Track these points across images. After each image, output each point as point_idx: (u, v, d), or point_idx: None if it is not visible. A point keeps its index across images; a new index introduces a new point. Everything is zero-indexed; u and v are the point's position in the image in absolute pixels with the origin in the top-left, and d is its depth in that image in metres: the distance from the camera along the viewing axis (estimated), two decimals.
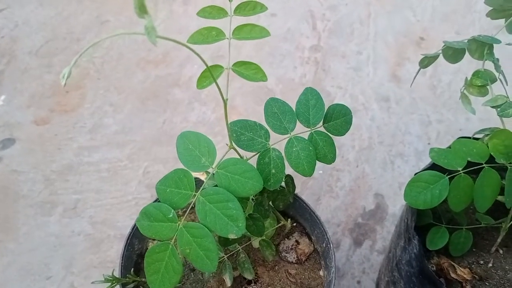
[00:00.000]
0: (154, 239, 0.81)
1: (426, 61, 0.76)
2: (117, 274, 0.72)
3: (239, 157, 0.64)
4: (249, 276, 0.74)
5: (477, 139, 0.73)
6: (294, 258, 0.80)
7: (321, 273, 0.79)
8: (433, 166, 0.74)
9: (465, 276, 0.72)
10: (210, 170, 0.56)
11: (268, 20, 1.61)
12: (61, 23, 1.62)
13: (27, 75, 1.45)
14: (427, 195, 0.66)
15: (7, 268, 1.04)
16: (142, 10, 0.34)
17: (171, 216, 0.53)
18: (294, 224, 0.85)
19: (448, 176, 0.66)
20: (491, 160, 0.66)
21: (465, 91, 0.73)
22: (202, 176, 0.74)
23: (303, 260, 0.80)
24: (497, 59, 0.71)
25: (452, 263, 0.74)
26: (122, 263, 0.73)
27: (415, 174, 0.68)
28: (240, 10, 0.61)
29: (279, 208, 0.74)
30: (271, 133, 0.63)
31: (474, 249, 0.78)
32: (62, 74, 0.35)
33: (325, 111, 0.65)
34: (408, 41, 1.56)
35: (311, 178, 1.19)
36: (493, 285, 0.74)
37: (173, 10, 1.67)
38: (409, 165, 1.22)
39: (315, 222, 0.80)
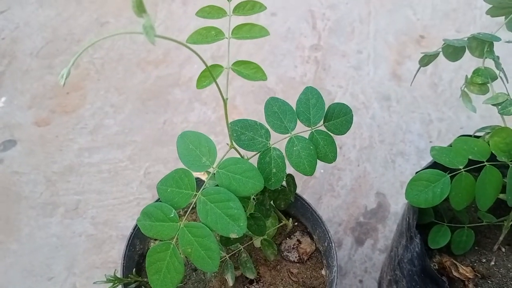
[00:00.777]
0: (155, 239, 0.81)
1: (426, 60, 0.76)
2: (119, 274, 0.72)
3: (239, 156, 0.64)
4: (251, 275, 0.74)
5: (478, 137, 0.72)
6: (296, 257, 0.80)
7: (323, 272, 0.79)
8: (434, 165, 0.74)
9: (467, 274, 0.72)
10: (210, 169, 0.56)
11: (268, 19, 1.61)
12: (61, 25, 1.62)
13: (28, 76, 1.46)
14: (428, 193, 0.66)
15: (9, 269, 1.04)
16: (140, 9, 0.34)
17: (172, 215, 0.53)
18: (296, 224, 0.85)
19: (450, 175, 0.66)
20: (492, 158, 0.66)
21: (465, 89, 0.73)
22: (203, 176, 0.74)
23: (305, 259, 0.80)
24: (498, 57, 0.71)
25: (454, 261, 0.74)
26: (124, 263, 0.74)
27: (416, 173, 0.68)
28: (239, 9, 0.60)
29: (280, 208, 0.74)
30: (272, 132, 0.63)
31: (476, 248, 0.78)
32: (61, 74, 0.35)
33: (326, 110, 0.65)
34: (409, 39, 1.56)
35: (312, 177, 1.18)
36: (496, 283, 0.73)
37: (172, 10, 1.67)
38: (410, 163, 1.22)
39: (317, 221, 0.80)
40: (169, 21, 1.64)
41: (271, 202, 0.71)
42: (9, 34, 1.59)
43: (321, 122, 0.65)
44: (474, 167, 0.65)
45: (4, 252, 1.07)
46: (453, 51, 0.75)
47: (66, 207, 1.15)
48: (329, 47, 1.54)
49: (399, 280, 0.81)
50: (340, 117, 0.66)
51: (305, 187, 1.17)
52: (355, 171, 1.21)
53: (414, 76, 0.82)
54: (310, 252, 0.81)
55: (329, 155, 0.64)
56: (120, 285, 0.71)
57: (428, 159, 1.17)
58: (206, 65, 0.47)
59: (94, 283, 0.72)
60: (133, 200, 1.16)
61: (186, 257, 0.53)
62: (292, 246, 0.81)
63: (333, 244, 0.75)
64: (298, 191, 0.77)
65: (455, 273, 0.72)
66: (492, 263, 0.76)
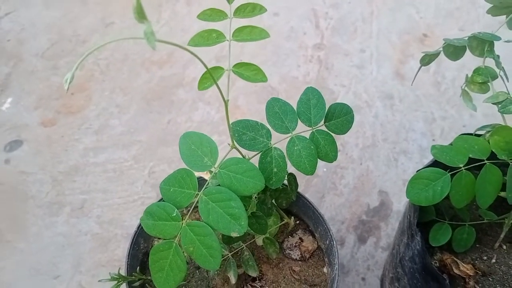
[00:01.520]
0: (159, 238, 0.82)
1: (427, 59, 0.77)
2: (123, 272, 0.73)
3: (241, 156, 0.65)
4: (253, 273, 0.75)
5: (479, 135, 0.73)
6: (298, 255, 0.81)
7: (324, 270, 0.80)
8: (435, 163, 0.75)
9: (468, 272, 0.72)
10: (212, 169, 0.57)
11: (270, 19, 1.61)
12: (67, 26, 1.64)
13: (34, 77, 1.47)
14: (429, 192, 0.67)
15: (17, 267, 1.06)
16: (140, 15, 0.35)
17: (174, 215, 0.54)
18: (298, 222, 0.86)
19: (450, 173, 0.66)
20: (492, 156, 0.66)
21: (466, 88, 0.74)
22: (206, 176, 0.75)
23: (307, 257, 0.81)
24: (498, 56, 0.72)
25: (455, 259, 0.74)
26: (128, 261, 0.75)
27: (417, 172, 0.69)
28: (239, 12, 0.61)
29: (282, 206, 0.75)
30: (273, 132, 0.64)
31: (477, 245, 0.78)
32: (65, 79, 0.36)
33: (326, 110, 0.66)
34: (412, 38, 1.56)
35: (315, 176, 1.19)
36: (497, 281, 0.74)
37: (176, 11, 1.69)
38: (413, 162, 1.23)
39: (318, 220, 0.81)
40: (173, 22, 1.65)
41: (273, 201, 0.72)
42: (15, 36, 1.61)
43: (322, 122, 0.66)
44: (475, 165, 0.66)
45: (11, 251, 1.08)
46: (454, 51, 0.75)
47: (72, 206, 1.16)
48: (332, 46, 1.54)
49: (401, 277, 0.82)
50: (340, 117, 0.67)
51: (308, 186, 1.18)
52: (358, 170, 1.21)
53: (415, 76, 0.83)
54: (312, 250, 0.82)
55: (330, 155, 0.64)
56: (125, 283, 0.72)
57: (431, 158, 1.17)
58: (206, 67, 0.48)
59: (99, 281, 0.73)
60: (137, 199, 1.17)
61: (189, 255, 0.54)
62: (294, 244, 0.82)
63: (334, 242, 0.76)
64: (300, 189, 0.78)
65: (456, 271, 0.73)
66: (493, 260, 0.76)
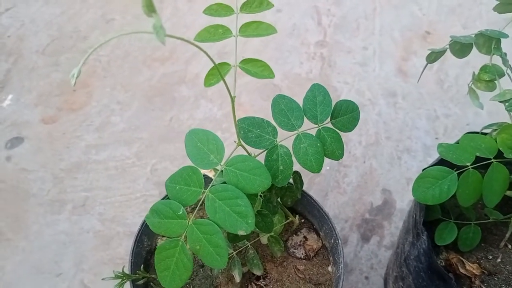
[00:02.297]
0: (163, 236, 0.82)
1: (433, 56, 0.76)
2: (127, 270, 0.72)
3: (247, 154, 0.64)
4: (258, 272, 0.74)
5: (485, 134, 0.72)
6: (302, 254, 0.80)
7: (329, 268, 0.79)
8: (441, 162, 0.74)
9: (474, 271, 0.72)
10: (218, 167, 0.57)
11: (273, 16, 1.61)
12: (67, 22, 1.63)
13: (35, 73, 1.46)
14: (435, 190, 0.66)
15: (19, 266, 1.05)
16: (150, 9, 0.35)
17: (180, 213, 0.54)
18: (302, 220, 0.85)
19: (457, 172, 0.66)
20: (499, 155, 0.66)
21: (472, 86, 0.73)
22: (210, 174, 0.74)
23: (311, 256, 0.80)
24: (505, 53, 0.71)
25: (461, 258, 0.74)
26: (132, 259, 0.74)
27: (423, 170, 0.68)
28: (246, 7, 0.61)
29: (287, 205, 0.74)
30: (279, 130, 0.63)
31: (482, 244, 0.78)
32: (71, 74, 0.36)
33: (332, 107, 0.65)
34: (414, 35, 1.55)
35: (318, 174, 1.19)
36: (502, 280, 0.74)
37: (178, 7, 1.68)
38: (417, 160, 1.22)
39: (323, 218, 0.80)
40: (175, 18, 1.64)
41: (278, 199, 0.71)
42: (15, 32, 1.60)
43: (328, 119, 0.65)
44: (481, 164, 0.65)
45: (12, 250, 1.08)
46: (460, 48, 0.75)
47: (74, 204, 1.16)
48: (334, 43, 1.53)
49: (406, 276, 0.81)
50: (347, 114, 0.66)
51: (311, 184, 1.18)
52: (361, 168, 1.21)
53: (421, 73, 0.82)
54: (316, 248, 0.81)
55: (336, 152, 0.64)
56: (128, 282, 0.72)
57: (435, 156, 1.17)
58: (214, 63, 0.48)
59: (102, 279, 0.73)
60: (140, 197, 1.16)
61: (193, 253, 0.54)
62: (298, 243, 0.81)
63: (339, 241, 0.75)
64: (304, 188, 0.77)
65: (461, 270, 0.73)
66: (499, 260, 0.76)
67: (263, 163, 0.59)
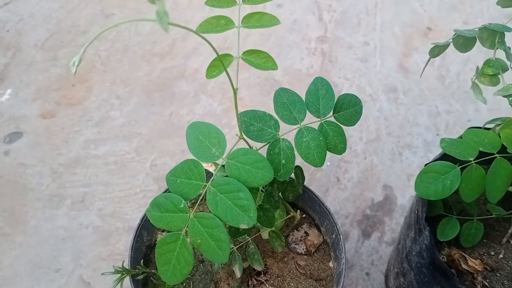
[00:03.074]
0: (163, 231, 0.81)
1: (437, 50, 0.75)
2: (127, 265, 0.72)
3: (248, 147, 0.64)
4: (258, 267, 0.74)
5: (488, 129, 0.72)
6: (303, 249, 0.80)
7: (330, 264, 0.78)
8: (443, 157, 0.74)
9: (476, 267, 0.72)
10: (220, 160, 0.56)
11: (274, 11, 1.59)
12: (66, 16, 1.62)
13: (33, 68, 1.45)
14: (438, 185, 0.65)
15: (16, 261, 1.04)
16: None
17: (182, 206, 0.53)
18: (303, 216, 0.85)
19: (460, 167, 0.65)
20: (503, 150, 0.65)
21: (476, 81, 0.72)
22: (211, 168, 0.73)
23: (312, 251, 0.80)
24: (509, 48, 0.70)
25: (463, 254, 0.74)
26: (131, 254, 0.73)
27: (425, 165, 0.68)
28: None
29: (288, 199, 0.74)
30: (281, 123, 0.63)
31: (485, 240, 0.77)
32: (72, 62, 0.35)
33: (335, 101, 0.65)
34: (415, 31, 1.55)
35: (319, 169, 1.18)
36: (504, 276, 0.73)
37: (178, 2, 1.66)
38: (418, 156, 1.21)
39: (325, 214, 0.80)
40: (175, 12, 1.62)
41: (280, 194, 0.70)
42: (13, 26, 1.59)
43: (331, 113, 0.64)
44: (485, 159, 0.65)
45: (10, 245, 1.07)
46: (464, 42, 0.74)
47: (73, 199, 1.15)
48: (335, 39, 1.52)
49: (407, 272, 0.81)
50: (349, 108, 0.65)
51: (312, 180, 1.17)
52: (362, 164, 1.20)
53: (424, 68, 0.82)
54: (317, 244, 0.80)
55: (339, 146, 0.63)
56: (128, 276, 0.71)
57: (436, 152, 1.16)
58: (217, 53, 0.47)
59: (102, 274, 0.72)
60: (139, 192, 1.16)
61: (193, 248, 0.53)
62: (299, 238, 0.81)
63: (341, 236, 0.75)
64: (304, 183, 0.76)
65: (464, 266, 0.72)
66: (501, 255, 0.76)
67: (265, 157, 0.59)
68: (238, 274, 0.71)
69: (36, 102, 1.36)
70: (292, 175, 0.71)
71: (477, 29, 0.71)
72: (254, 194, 0.65)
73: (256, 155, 0.55)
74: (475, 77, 0.72)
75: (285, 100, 0.63)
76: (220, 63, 0.56)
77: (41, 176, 1.19)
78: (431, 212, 0.76)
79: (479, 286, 0.71)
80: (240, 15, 0.59)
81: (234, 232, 0.66)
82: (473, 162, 0.65)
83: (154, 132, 1.28)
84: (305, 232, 0.82)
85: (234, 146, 0.57)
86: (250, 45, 1.49)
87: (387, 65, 1.44)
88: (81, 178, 1.19)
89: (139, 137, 1.27)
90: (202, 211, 0.55)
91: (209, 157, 0.56)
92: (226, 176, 0.55)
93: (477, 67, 0.72)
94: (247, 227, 0.52)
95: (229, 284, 0.74)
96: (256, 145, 0.63)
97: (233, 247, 0.72)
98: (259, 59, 0.58)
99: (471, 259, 0.73)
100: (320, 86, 0.65)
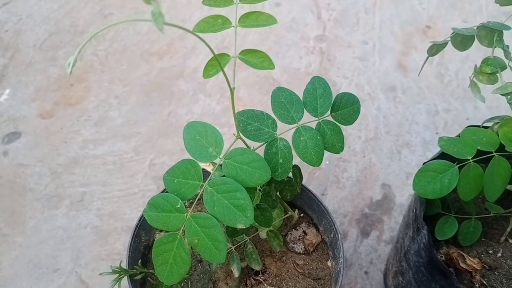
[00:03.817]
0: (161, 231, 0.81)
1: (435, 49, 0.75)
2: (124, 265, 0.72)
3: (246, 147, 0.63)
4: (256, 267, 0.73)
5: (486, 127, 0.72)
6: (301, 248, 0.79)
7: (329, 263, 0.78)
8: (441, 156, 0.74)
9: (474, 265, 0.72)
10: (217, 160, 0.56)
11: (272, 9, 1.59)
12: (64, 17, 1.62)
13: (32, 68, 1.45)
14: (436, 184, 0.65)
15: (15, 261, 1.04)
16: None
17: (179, 206, 0.53)
18: (302, 215, 0.85)
19: (458, 165, 0.65)
20: (501, 148, 0.65)
21: (474, 79, 0.72)
22: (208, 167, 0.73)
23: (310, 250, 0.79)
24: (507, 46, 0.70)
25: (462, 252, 0.74)
26: (129, 254, 0.73)
27: (423, 164, 0.68)
28: None
29: (286, 199, 0.73)
30: (278, 123, 0.62)
31: (483, 239, 0.77)
32: (67, 62, 0.35)
33: (333, 100, 0.65)
34: (414, 30, 1.54)
35: (317, 168, 1.18)
36: (503, 275, 0.73)
37: (176, 1, 1.66)
38: (416, 155, 1.21)
39: (323, 213, 0.79)
40: (173, 11, 1.62)
41: (277, 193, 0.70)
42: (12, 27, 1.58)
43: (328, 112, 0.64)
44: (483, 157, 0.65)
45: (9, 245, 1.07)
46: (462, 40, 0.74)
47: (72, 199, 1.15)
48: (334, 37, 1.52)
49: (405, 271, 0.81)
50: (347, 107, 0.65)
51: (310, 179, 1.17)
52: (361, 163, 1.20)
53: (422, 66, 0.81)
54: (316, 243, 0.80)
55: (337, 146, 0.63)
56: (126, 276, 0.71)
57: (434, 151, 1.16)
58: (213, 53, 0.47)
59: (100, 274, 0.72)
60: (138, 192, 1.16)
61: (191, 248, 0.53)
62: (297, 238, 0.81)
63: (339, 235, 0.75)
64: (303, 182, 0.76)
65: (462, 265, 0.72)
66: (499, 254, 0.76)
67: (263, 156, 0.59)
68: (236, 273, 0.71)
69: (35, 102, 1.36)
70: (290, 175, 0.71)
71: (475, 28, 0.71)
72: (252, 194, 0.65)
73: (253, 154, 0.55)
74: (473, 75, 0.72)
75: (283, 99, 0.63)
76: (217, 63, 0.56)
77: (40, 176, 1.19)
78: (429, 211, 0.76)
79: (477, 285, 0.71)
80: (237, 14, 0.59)
81: (232, 232, 0.66)
82: (471, 160, 0.65)
83: (152, 132, 1.28)
84: (303, 232, 0.82)
85: (231, 146, 0.57)
86: (249, 43, 1.49)
87: (386, 64, 1.44)
88: (79, 178, 1.19)
89: (137, 137, 1.27)
90: (200, 211, 0.55)
91: (206, 157, 0.55)
92: (224, 175, 0.55)
93: (475, 65, 0.72)
94: (244, 227, 0.52)
95: (228, 284, 0.74)
96: (253, 144, 0.63)
97: (231, 247, 0.72)
98: (256, 59, 0.58)
99: (469, 257, 0.73)
100: (318, 85, 0.64)
